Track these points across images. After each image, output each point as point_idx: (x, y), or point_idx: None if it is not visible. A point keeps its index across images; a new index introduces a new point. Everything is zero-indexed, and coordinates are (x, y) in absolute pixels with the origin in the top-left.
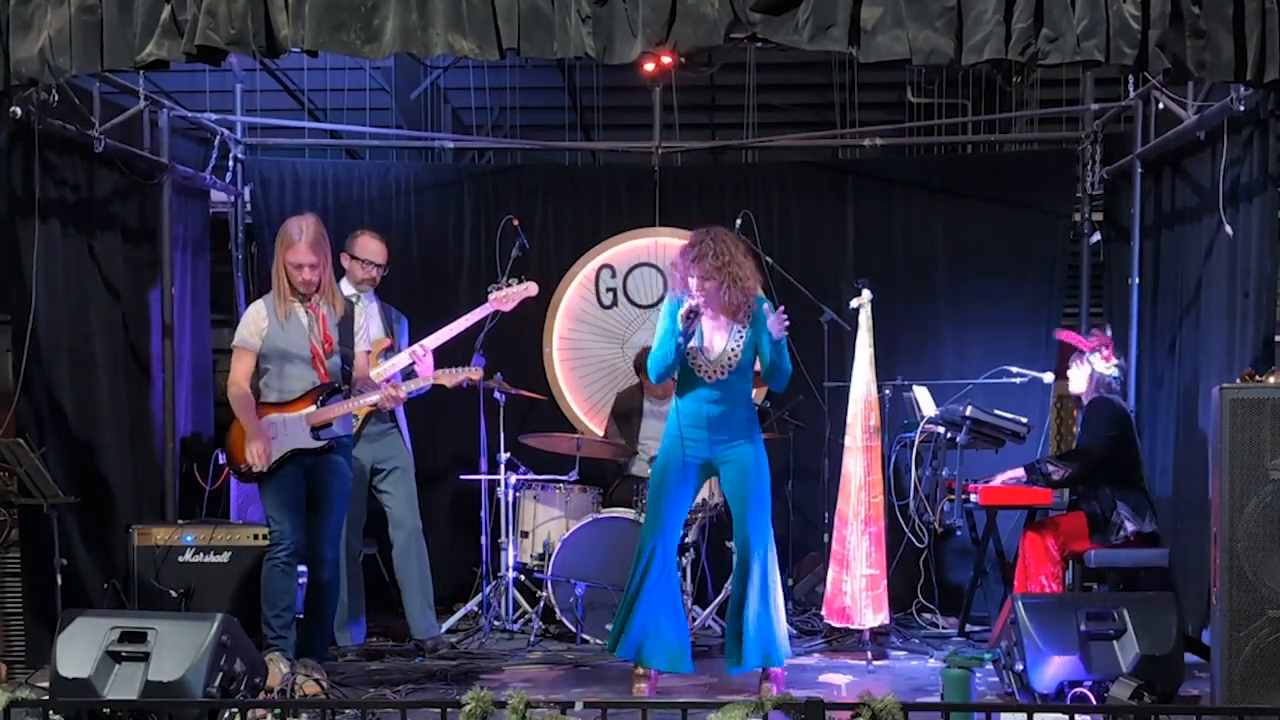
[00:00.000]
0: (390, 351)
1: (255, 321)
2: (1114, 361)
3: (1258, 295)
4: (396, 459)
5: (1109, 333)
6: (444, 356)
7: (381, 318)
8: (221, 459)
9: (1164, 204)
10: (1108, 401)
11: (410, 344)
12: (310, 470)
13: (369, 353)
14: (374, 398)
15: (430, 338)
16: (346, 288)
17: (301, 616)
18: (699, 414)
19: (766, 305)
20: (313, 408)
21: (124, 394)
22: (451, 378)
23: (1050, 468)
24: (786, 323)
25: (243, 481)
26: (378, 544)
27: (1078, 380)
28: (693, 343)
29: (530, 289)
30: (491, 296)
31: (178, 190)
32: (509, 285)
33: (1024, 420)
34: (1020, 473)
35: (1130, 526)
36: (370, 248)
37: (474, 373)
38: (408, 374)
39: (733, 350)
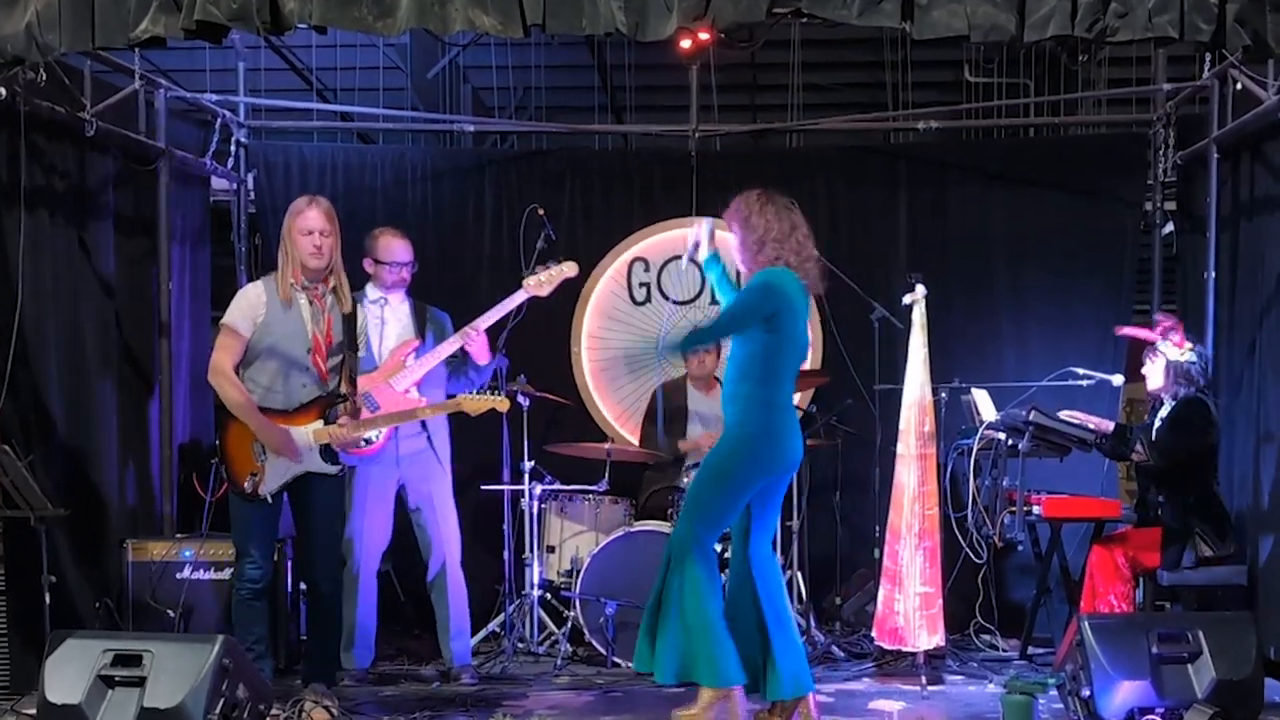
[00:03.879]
0: (420, 350)
1: (252, 305)
2: (1188, 347)
3: None
4: (429, 478)
5: (1177, 320)
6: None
7: (414, 319)
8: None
9: (1242, 192)
10: (1204, 404)
11: None
12: (296, 489)
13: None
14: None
15: (479, 319)
16: (373, 292)
17: (306, 638)
18: None
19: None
20: (319, 423)
21: (118, 397)
22: (476, 404)
23: (1139, 445)
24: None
25: (244, 500)
26: (394, 564)
27: (1155, 376)
28: None
29: (569, 269)
30: (526, 283)
31: (176, 177)
32: (545, 268)
33: (1091, 425)
34: (1109, 425)
35: (1208, 552)
36: (395, 248)
37: (501, 402)
38: (455, 363)
39: None
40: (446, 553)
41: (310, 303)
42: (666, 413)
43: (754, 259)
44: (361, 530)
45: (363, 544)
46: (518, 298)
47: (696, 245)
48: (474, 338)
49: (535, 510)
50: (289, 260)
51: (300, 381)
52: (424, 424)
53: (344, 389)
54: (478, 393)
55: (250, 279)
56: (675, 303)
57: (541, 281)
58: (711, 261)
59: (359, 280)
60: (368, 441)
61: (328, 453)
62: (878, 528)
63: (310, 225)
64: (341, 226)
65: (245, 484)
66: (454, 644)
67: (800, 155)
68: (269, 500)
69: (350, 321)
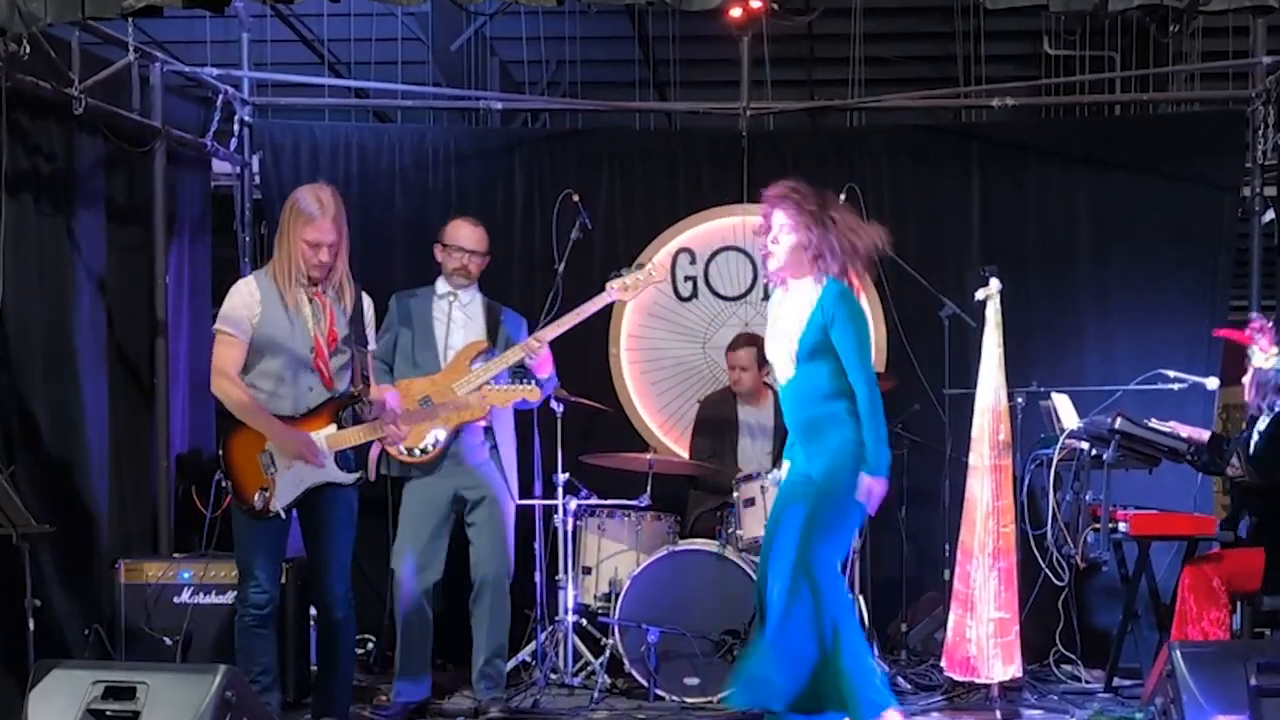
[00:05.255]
0: (489, 354)
1: (245, 304)
2: (1274, 352)
3: None
4: (487, 488)
5: (1269, 320)
6: None
7: (485, 319)
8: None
9: None
10: None
11: None
12: (308, 503)
13: (373, 352)
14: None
15: (545, 329)
16: (442, 286)
17: (316, 669)
18: (788, 421)
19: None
20: (332, 427)
21: (109, 402)
22: (504, 396)
23: (1235, 459)
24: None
25: (252, 519)
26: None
27: (1247, 387)
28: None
29: (659, 275)
30: (611, 285)
31: (173, 160)
32: (633, 272)
33: (1183, 434)
34: (1204, 434)
35: None
36: (459, 232)
37: (531, 392)
38: (518, 372)
39: (793, 336)
40: (494, 568)
41: (310, 299)
42: (713, 426)
43: (812, 264)
44: (412, 551)
45: (413, 566)
46: (599, 301)
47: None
48: (536, 348)
49: (570, 528)
50: (293, 265)
51: (307, 383)
52: (490, 430)
53: (355, 388)
54: (505, 384)
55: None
56: (725, 299)
57: (627, 285)
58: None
59: (419, 275)
60: (423, 451)
61: (344, 460)
62: (947, 547)
63: (319, 239)
64: (357, 214)
65: (255, 500)
66: (488, 670)
67: (862, 135)
68: (280, 516)
69: (356, 317)
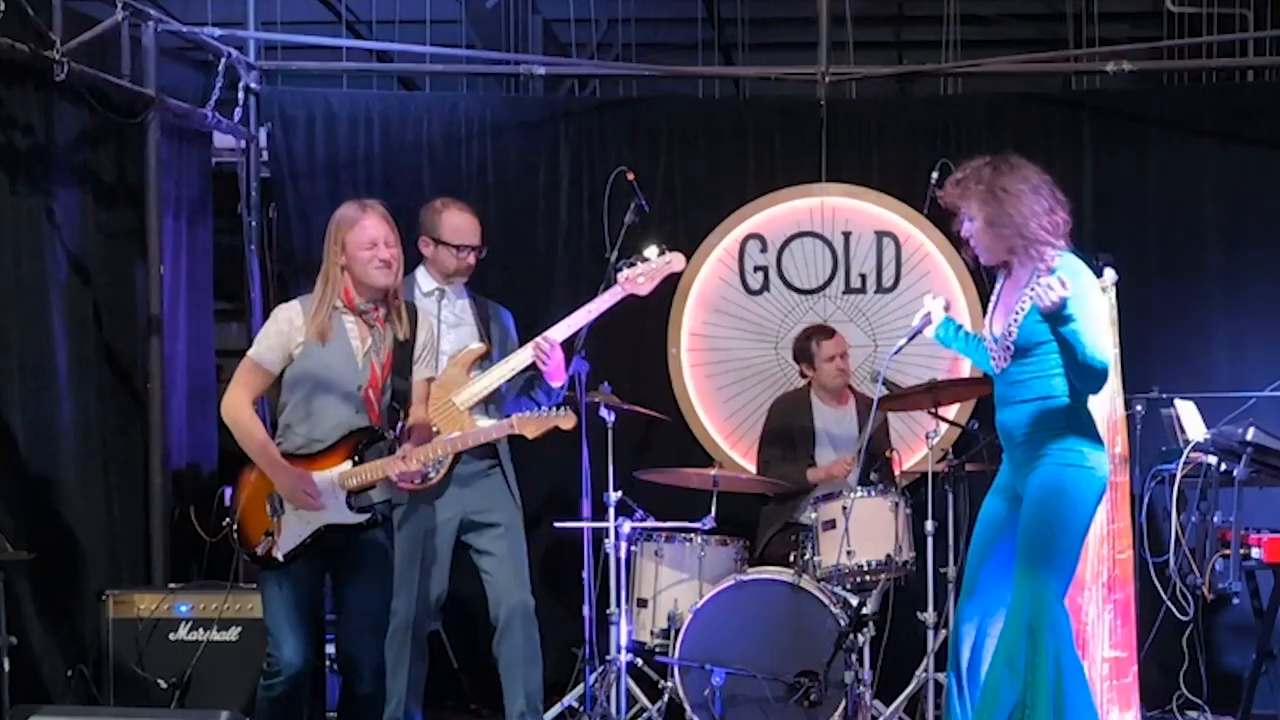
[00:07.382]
0: (487, 361)
1: (284, 333)
2: None
3: None
4: (498, 511)
5: None
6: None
7: (476, 319)
8: (228, 493)
9: None
10: None
11: (522, 342)
12: (333, 548)
13: (431, 380)
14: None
15: (555, 328)
16: (427, 281)
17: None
18: (998, 423)
19: (1063, 269)
20: (348, 464)
21: (96, 411)
22: (536, 425)
23: None
24: (1058, 294)
25: (259, 566)
26: (444, 620)
27: None
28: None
29: (675, 262)
30: (620, 277)
31: (168, 133)
32: (643, 260)
33: None
34: None
35: None
36: (464, 227)
37: (565, 419)
38: (529, 380)
39: (1010, 324)
40: (521, 597)
41: (371, 325)
42: (788, 435)
43: (1017, 230)
44: (412, 578)
45: (412, 595)
46: (611, 297)
47: (927, 319)
48: (548, 350)
49: (623, 554)
50: (335, 282)
51: (352, 424)
52: (494, 446)
53: (387, 432)
54: (536, 411)
55: (263, 263)
56: (800, 291)
57: (639, 278)
58: (947, 330)
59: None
60: (423, 477)
61: (354, 498)
62: None
63: (372, 235)
64: (380, 194)
65: (259, 545)
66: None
67: (957, 105)
68: (280, 560)
69: (408, 345)
